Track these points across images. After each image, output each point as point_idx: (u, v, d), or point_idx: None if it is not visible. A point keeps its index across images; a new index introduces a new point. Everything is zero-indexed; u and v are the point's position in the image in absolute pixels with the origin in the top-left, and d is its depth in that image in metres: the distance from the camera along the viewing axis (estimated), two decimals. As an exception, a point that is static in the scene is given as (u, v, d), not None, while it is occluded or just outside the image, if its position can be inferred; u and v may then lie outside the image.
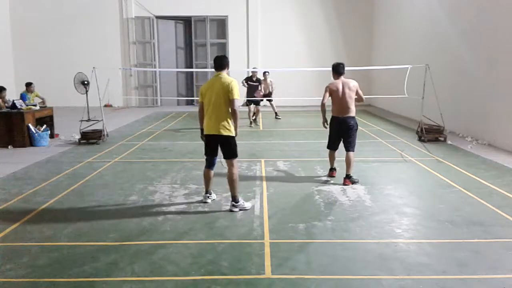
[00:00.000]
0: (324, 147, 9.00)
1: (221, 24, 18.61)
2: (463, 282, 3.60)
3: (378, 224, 4.88)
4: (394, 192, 6.06)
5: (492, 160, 7.89)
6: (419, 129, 10.03)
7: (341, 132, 6.58)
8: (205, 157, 5.57)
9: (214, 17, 18.51)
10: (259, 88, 12.70)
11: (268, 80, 13.54)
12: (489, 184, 6.38)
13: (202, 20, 18.54)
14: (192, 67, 18.72)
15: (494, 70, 9.34)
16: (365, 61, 17.65)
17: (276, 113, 14.14)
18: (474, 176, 6.82)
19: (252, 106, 12.76)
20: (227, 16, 18.36)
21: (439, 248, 4.28)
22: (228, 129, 5.26)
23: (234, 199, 5.37)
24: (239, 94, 5.33)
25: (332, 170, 6.87)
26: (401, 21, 15.14)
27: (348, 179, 6.42)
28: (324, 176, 6.92)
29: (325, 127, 6.71)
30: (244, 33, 18.35)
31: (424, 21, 13.03)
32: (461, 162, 7.77)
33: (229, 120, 5.26)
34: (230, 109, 5.23)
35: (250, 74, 12.96)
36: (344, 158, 6.49)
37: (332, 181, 6.62)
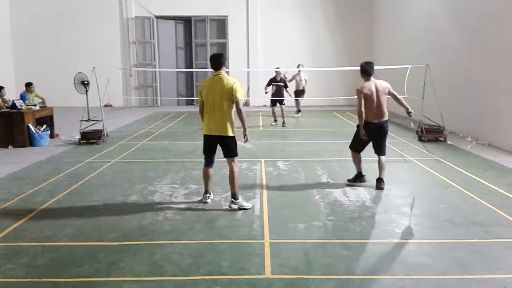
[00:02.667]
0: (324, 147, 9.00)
1: (221, 24, 18.61)
2: (463, 282, 3.60)
3: (378, 224, 4.89)
4: (394, 192, 6.06)
5: (492, 160, 7.89)
6: (419, 129, 10.03)
7: (375, 137, 6.12)
8: (203, 156, 5.56)
9: (214, 17, 18.51)
10: (288, 86, 12.65)
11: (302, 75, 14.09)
12: (489, 184, 6.38)
13: (202, 20, 18.54)
14: (192, 67, 18.72)
15: (494, 70, 9.34)
16: (365, 61, 17.59)
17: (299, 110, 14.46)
18: (474, 176, 6.82)
19: (276, 107, 12.62)
20: (227, 16, 18.36)
21: (439, 248, 4.28)
22: (229, 129, 5.27)
23: (234, 196, 5.38)
24: (242, 94, 5.36)
25: (362, 176, 6.35)
26: (401, 21, 15.13)
27: (383, 182, 6.17)
28: (343, 181, 6.50)
29: (365, 138, 6.10)
30: (244, 33, 18.34)
31: (424, 21, 13.02)
32: (461, 162, 7.77)
33: (230, 120, 5.27)
34: (236, 110, 5.24)
35: (274, 74, 12.62)
36: (376, 162, 6.17)
37: (333, 181, 6.62)
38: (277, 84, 12.42)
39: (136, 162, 8.05)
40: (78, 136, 10.04)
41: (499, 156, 8.22)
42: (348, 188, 6.24)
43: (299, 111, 14.81)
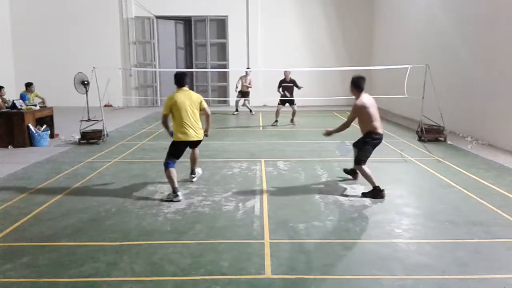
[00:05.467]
0: (324, 147, 9.00)
1: (221, 24, 18.61)
2: (463, 282, 3.60)
3: (378, 224, 4.89)
4: (394, 192, 6.06)
5: (492, 160, 7.89)
6: (419, 129, 10.03)
7: (374, 147, 6.04)
8: (170, 160, 5.96)
9: (214, 17, 18.50)
10: (298, 88, 12.61)
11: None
12: (489, 184, 6.38)
13: (202, 20, 18.53)
14: (192, 67, 18.72)
15: (494, 70, 9.34)
16: (365, 61, 17.63)
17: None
18: (474, 176, 6.82)
19: (280, 107, 12.74)
20: (227, 16, 18.35)
21: (439, 248, 4.28)
22: (201, 131, 6.24)
23: (193, 172, 6.67)
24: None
25: (382, 190, 5.82)
26: (401, 21, 15.14)
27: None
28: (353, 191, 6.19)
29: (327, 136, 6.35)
30: (244, 33, 18.33)
31: (424, 21, 13.03)
32: (461, 162, 7.77)
33: (200, 124, 6.22)
34: (205, 115, 6.28)
35: (283, 76, 12.69)
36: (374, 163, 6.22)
37: (333, 182, 6.62)
38: (286, 85, 12.54)
39: (136, 162, 8.05)
40: (78, 136, 10.04)
41: (499, 156, 8.22)
42: (348, 188, 6.24)
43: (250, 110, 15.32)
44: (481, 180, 6.60)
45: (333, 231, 4.71)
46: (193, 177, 6.68)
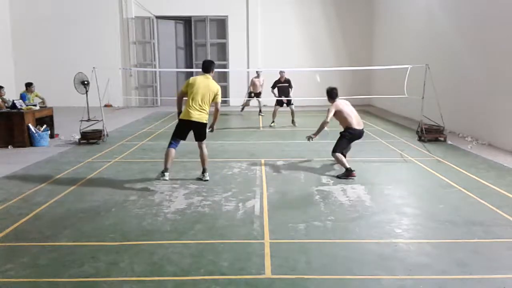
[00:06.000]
0: (323, 147, 9.00)
1: (221, 24, 18.61)
2: (463, 282, 3.60)
3: (378, 224, 4.89)
4: (394, 192, 6.06)
5: (492, 160, 7.89)
6: (419, 129, 10.03)
7: (354, 140, 7.19)
8: (173, 140, 6.38)
9: (214, 17, 18.51)
10: (290, 89, 12.66)
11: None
12: (489, 184, 6.38)
13: (202, 20, 18.54)
14: (192, 67, 18.70)
15: (494, 70, 9.34)
16: (365, 61, 17.65)
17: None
18: (474, 176, 6.82)
19: (277, 108, 12.76)
20: (227, 16, 18.36)
21: (439, 248, 4.28)
22: (206, 118, 6.39)
23: (205, 171, 6.63)
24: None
25: (352, 170, 6.78)
26: (401, 21, 15.14)
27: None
28: (339, 177, 6.79)
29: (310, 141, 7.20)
30: (244, 33, 18.34)
31: (424, 21, 13.03)
32: (461, 162, 7.77)
33: (208, 112, 6.42)
34: (215, 108, 6.44)
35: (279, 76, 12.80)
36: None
37: (332, 181, 6.62)
38: (282, 86, 12.55)
39: (136, 162, 8.05)
40: (78, 136, 10.04)
41: (499, 156, 8.22)
42: (348, 188, 6.24)
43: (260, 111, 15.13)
44: (481, 180, 6.60)
45: (333, 231, 4.71)
46: (204, 176, 6.63)
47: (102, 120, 10.22)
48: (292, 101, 12.56)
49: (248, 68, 18.08)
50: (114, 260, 4.00)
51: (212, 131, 6.66)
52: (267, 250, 4.19)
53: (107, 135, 10.24)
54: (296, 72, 15.21)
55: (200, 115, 6.30)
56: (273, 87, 12.68)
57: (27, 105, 10.22)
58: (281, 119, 12.75)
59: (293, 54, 18.10)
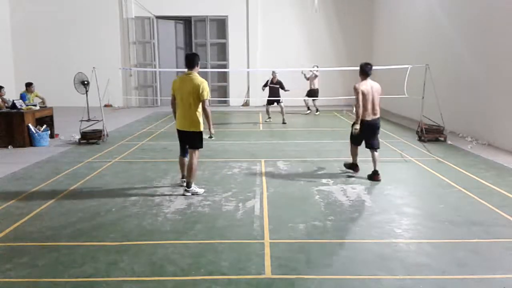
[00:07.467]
0: (323, 147, 9.00)
1: (221, 24, 18.60)
2: (463, 282, 3.61)
3: (378, 224, 4.89)
4: (394, 192, 6.06)
5: (492, 160, 7.89)
6: (419, 129, 10.03)
7: (369, 133, 6.60)
8: (180, 147, 6.16)
9: (214, 17, 18.50)
10: (285, 90, 13.10)
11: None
12: (489, 184, 6.38)
13: (202, 20, 18.53)
14: (192, 67, 18.68)
15: (494, 70, 9.34)
16: (365, 61, 17.54)
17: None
18: (474, 176, 6.82)
19: (270, 106, 13.28)
20: (227, 16, 18.35)
21: (439, 248, 4.28)
22: (196, 125, 5.76)
23: (188, 185, 5.90)
24: (209, 93, 5.77)
25: (357, 166, 6.92)
26: (401, 21, 15.13)
27: (379, 174, 6.63)
28: (342, 172, 7.03)
29: (356, 132, 6.55)
30: (244, 33, 18.33)
31: (424, 21, 13.02)
32: (461, 162, 7.77)
33: (197, 117, 5.73)
34: (202, 109, 5.72)
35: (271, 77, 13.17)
36: (371, 157, 6.73)
37: (332, 181, 6.62)
38: (272, 86, 13.04)
39: (136, 162, 8.05)
40: (78, 136, 10.04)
41: (499, 156, 8.22)
42: (348, 188, 6.24)
43: (317, 110, 15.54)
44: (481, 180, 6.60)
45: (333, 231, 4.71)
46: (187, 191, 5.87)
47: (102, 120, 10.22)
48: (281, 100, 13.06)
49: (248, 68, 18.07)
50: (114, 260, 4.00)
51: (211, 137, 5.97)
52: (267, 250, 4.19)
53: (107, 135, 10.23)
54: (296, 72, 15.22)
55: (186, 123, 5.73)
56: (264, 86, 13.15)
57: (27, 105, 10.22)
58: (275, 119, 12.86)
59: (293, 54, 18.10)
